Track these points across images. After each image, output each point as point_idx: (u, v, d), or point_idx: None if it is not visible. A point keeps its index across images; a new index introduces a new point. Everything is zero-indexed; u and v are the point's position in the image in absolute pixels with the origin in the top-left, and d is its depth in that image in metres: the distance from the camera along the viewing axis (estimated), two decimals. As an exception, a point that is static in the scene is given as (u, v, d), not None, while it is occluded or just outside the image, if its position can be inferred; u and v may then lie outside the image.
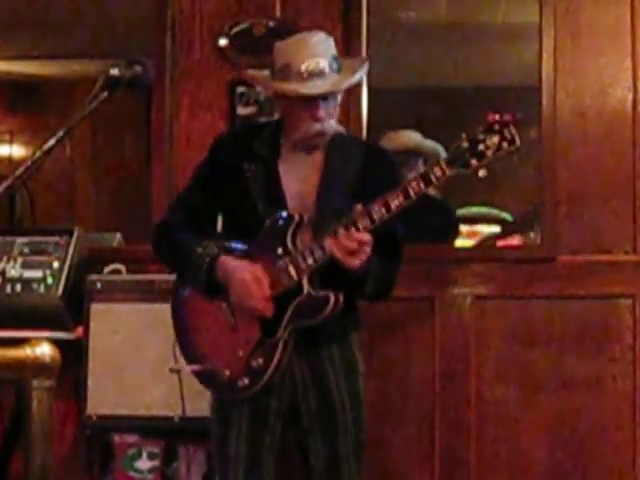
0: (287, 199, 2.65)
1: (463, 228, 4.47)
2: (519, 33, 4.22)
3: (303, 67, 2.57)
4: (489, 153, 2.43)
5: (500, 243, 4.36)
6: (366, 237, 2.46)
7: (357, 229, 2.48)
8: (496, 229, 4.37)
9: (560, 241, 3.67)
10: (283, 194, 2.65)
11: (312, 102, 2.59)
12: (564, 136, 3.70)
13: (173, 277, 2.83)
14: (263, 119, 3.74)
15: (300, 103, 2.60)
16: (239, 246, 2.65)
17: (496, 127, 2.44)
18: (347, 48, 3.77)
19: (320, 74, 2.57)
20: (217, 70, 3.87)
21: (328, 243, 2.48)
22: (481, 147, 2.44)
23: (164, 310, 2.88)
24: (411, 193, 2.47)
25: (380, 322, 3.69)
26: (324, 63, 2.59)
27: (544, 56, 3.70)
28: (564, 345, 3.65)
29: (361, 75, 2.70)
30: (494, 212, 4.67)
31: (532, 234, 4.26)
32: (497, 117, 2.44)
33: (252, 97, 3.81)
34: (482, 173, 2.45)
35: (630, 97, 3.67)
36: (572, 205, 3.68)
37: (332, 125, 2.64)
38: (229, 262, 2.60)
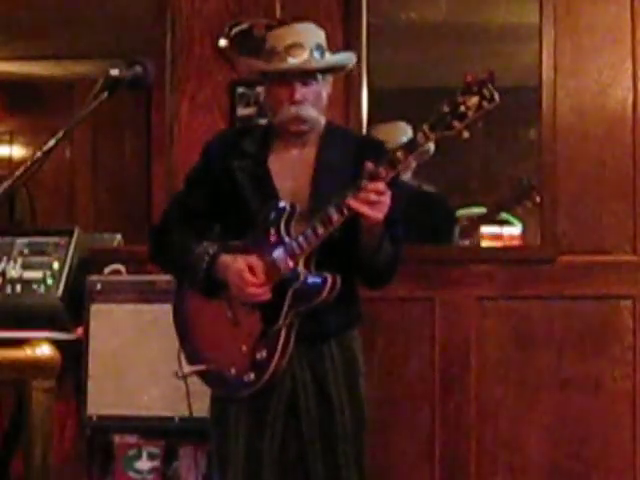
0: (280, 196, 2.65)
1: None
2: (519, 33, 4.21)
3: (284, 48, 2.61)
4: (470, 113, 2.43)
5: (500, 244, 4.35)
6: (381, 186, 2.45)
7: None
8: (495, 229, 4.36)
9: (560, 241, 3.67)
10: (275, 190, 2.66)
11: (290, 84, 2.61)
12: (564, 136, 3.70)
13: (173, 279, 2.83)
14: (263, 120, 3.75)
15: (279, 84, 2.63)
16: (235, 243, 2.65)
17: (474, 88, 2.44)
18: (347, 48, 3.77)
19: (298, 56, 2.60)
20: (217, 70, 3.87)
21: (351, 201, 2.46)
22: (462, 109, 2.43)
23: (164, 310, 2.88)
24: (396, 163, 2.47)
25: (380, 322, 3.70)
26: (305, 46, 2.62)
27: (544, 56, 3.70)
28: (564, 345, 3.65)
29: (336, 60, 2.70)
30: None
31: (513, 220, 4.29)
32: (474, 78, 2.44)
33: (252, 97, 3.81)
34: (466, 134, 2.45)
35: (630, 97, 3.66)
36: (572, 205, 3.68)
37: (310, 112, 2.64)
38: (226, 259, 2.61)
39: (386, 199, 2.46)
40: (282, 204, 2.62)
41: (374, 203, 2.45)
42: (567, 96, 3.70)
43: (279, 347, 2.57)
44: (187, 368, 2.74)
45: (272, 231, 2.60)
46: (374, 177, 2.46)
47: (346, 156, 2.68)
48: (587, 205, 3.68)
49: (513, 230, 4.32)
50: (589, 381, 3.63)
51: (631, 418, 3.60)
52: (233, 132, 2.84)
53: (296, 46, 2.61)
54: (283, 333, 2.58)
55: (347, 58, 2.74)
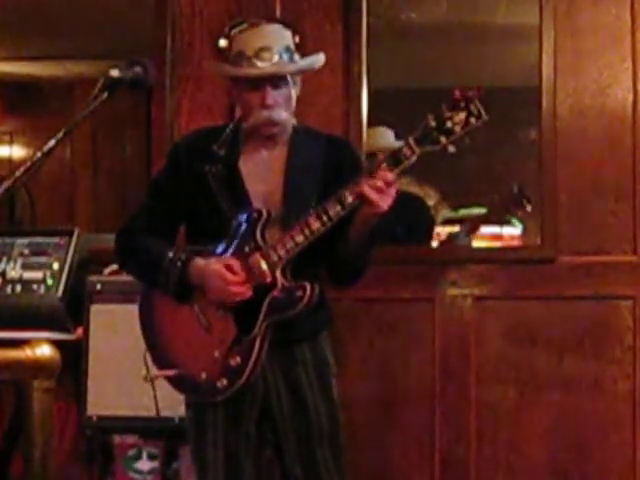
0: (251, 199, 2.63)
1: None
2: (519, 33, 4.21)
3: (253, 53, 2.60)
4: (457, 129, 2.44)
5: (500, 244, 4.36)
6: (390, 176, 2.45)
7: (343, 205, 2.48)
8: (496, 229, 4.37)
9: (560, 241, 3.67)
10: (247, 194, 2.63)
11: (261, 88, 2.59)
12: (564, 136, 3.69)
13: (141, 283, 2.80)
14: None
15: (250, 89, 2.61)
16: (208, 248, 2.62)
17: (462, 104, 2.44)
18: (347, 48, 3.77)
19: (268, 59, 2.59)
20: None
21: (362, 186, 2.45)
22: (449, 124, 2.44)
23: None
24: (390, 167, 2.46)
25: (380, 322, 3.70)
26: (274, 49, 2.60)
27: (544, 56, 3.70)
28: (564, 346, 3.65)
29: (308, 63, 2.69)
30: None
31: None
32: (462, 94, 2.45)
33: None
34: (451, 149, 2.45)
35: (630, 97, 3.66)
36: (572, 205, 3.68)
37: (283, 116, 2.62)
38: (200, 262, 2.59)
39: (392, 191, 2.46)
40: (257, 210, 2.59)
41: (382, 191, 2.44)
42: (567, 96, 3.70)
43: (254, 354, 2.55)
44: (155, 372, 2.71)
45: (247, 238, 2.57)
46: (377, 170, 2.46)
47: (315, 156, 2.68)
48: (587, 205, 3.67)
49: (513, 230, 4.33)
50: (589, 381, 3.63)
51: (631, 418, 3.60)
52: (201, 135, 2.79)
53: (265, 50, 2.60)
54: (258, 341, 2.55)
55: (316, 60, 2.72)
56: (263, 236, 2.57)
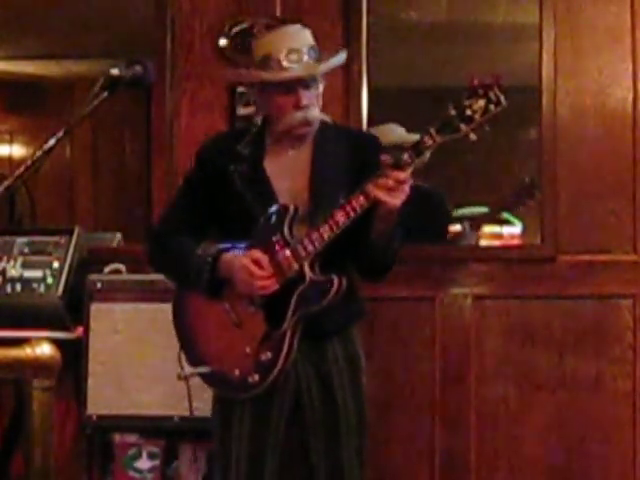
0: (278, 197, 2.65)
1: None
2: (519, 33, 4.22)
3: (282, 55, 2.61)
4: (477, 117, 2.44)
5: (500, 243, 4.36)
6: (402, 175, 2.46)
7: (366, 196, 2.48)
8: (496, 228, 4.37)
9: (560, 241, 3.67)
10: (273, 192, 2.66)
11: (293, 90, 2.61)
12: (564, 136, 3.70)
13: (173, 282, 2.82)
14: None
15: (281, 92, 2.62)
16: (237, 245, 2.65)
17: (480, 91, 2.45)
18: (347, 48, 3.77)
19: (298, 61, 2.61)
20: (217, 70, 3.87)
21: (369, 187, 2.47)
22: (468, 112, 2.45)
23: (164, 310, 2.88)
24: (404, 165, 2.47)
25: (380, 322, 3.70)
26: (301, 51, 2.62)
27: (544, 56, 3.71)
28: (564, 345, 3.65)
29: (337, 61, 2.71)
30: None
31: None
32: (480, 81, 2.45)
33: (252, 97, 3.80)
34: (473, 137, 2.46)
35: (630, 97, 3.67)
36: (572, 205, 3.68)
37: (315, 114, 2.66)
38: (229, 256, 2.62)
39: (405, 187, 2.47)
40: (284, 206, 2.62)
41: (393, 190, 2.46)
42: (567, 96, 3.70)
43: (284, 349, 2.58)
44: (189, 369, 2.74)
45: (275, 233, 2.60)
46: (396, 166, 2.47)
47: (342, 152, 2.70)
48: (587, 205, 3.68)
49: (513, 229, 4.33)
50: (589, 381, 3.63)
51: (631, 417, 3.60)
52: (225, 136, 2.83)
53: (293, 52, 2.62)
54: (288, 335, 2.58)
55: (342, 57, 2.74)
56: (291, 231, 2.59)
